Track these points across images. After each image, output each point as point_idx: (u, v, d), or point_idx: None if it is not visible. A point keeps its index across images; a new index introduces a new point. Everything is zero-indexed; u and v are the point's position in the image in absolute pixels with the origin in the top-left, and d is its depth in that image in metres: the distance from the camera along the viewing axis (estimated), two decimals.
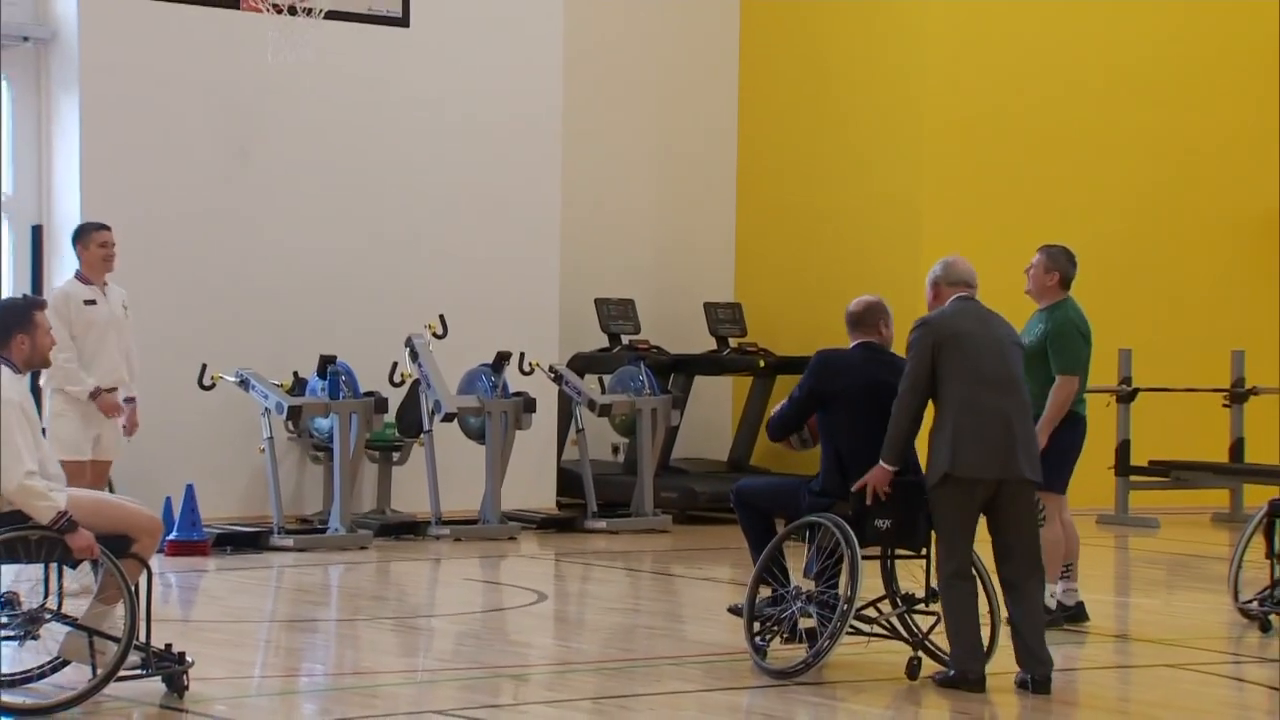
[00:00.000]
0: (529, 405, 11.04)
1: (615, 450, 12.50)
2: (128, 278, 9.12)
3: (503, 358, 11.14)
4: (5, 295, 10.96)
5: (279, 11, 9.87)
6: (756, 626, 6.60)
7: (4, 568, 5.90)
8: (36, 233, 10.89)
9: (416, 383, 10.89)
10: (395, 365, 10.94)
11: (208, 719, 5.80)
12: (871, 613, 6.64)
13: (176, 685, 5.95)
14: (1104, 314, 13.20)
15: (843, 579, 6.36)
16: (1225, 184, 13.49)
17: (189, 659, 5.99)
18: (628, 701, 6.31)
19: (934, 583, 6.55)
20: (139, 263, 10.25)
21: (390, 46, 11.43)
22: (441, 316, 11.02)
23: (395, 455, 11.22)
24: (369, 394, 10.56)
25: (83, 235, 8.53)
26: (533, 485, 11.92)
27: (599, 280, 12.76)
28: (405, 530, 10.86)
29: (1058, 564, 7.73)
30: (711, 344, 12.86)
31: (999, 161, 12.93)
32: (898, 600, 6.66)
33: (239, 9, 10.22)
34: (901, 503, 6.47)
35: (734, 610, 6.91)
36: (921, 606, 6.62)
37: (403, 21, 11.36)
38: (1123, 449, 12.37)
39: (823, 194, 13.27)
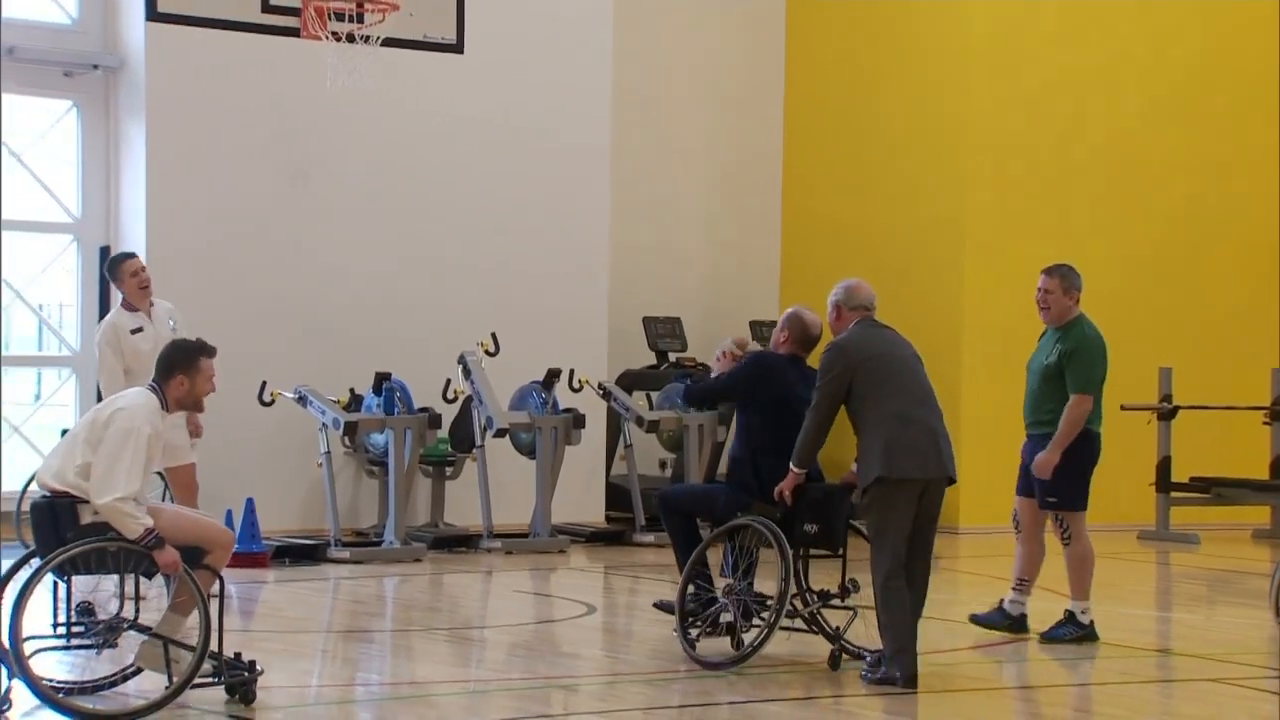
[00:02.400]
0: (578, 421, 11.22)
1: (663, 465, 12.64)
2: (190, 298, 9.40)
3: (553, 375, 11.33)
4: (76, 313, 11.31)
5: (338, 39, 10.07)
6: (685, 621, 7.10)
7: (78, 578, 5.99)
8: (104, 254, 11.15)
9: (469, 399, 11.07)
10: (449, 382, 11.13)
11: None
12: (789, 608, 7.09)
13: (246, 693, 6.11)
14: (1145, 332, 13.34)
15: (779, 578, 6.87)
16: (1263, 201, 13.51)
17: (259, 667, 6.15)
18: (675, 713, 6.44)
19: (848, 580, 7.06)
20: (201, 283, 10.54)
21: (445, 72, 11.64)
22: (494, 334, 11.21)
23: (448, 470, 11.40)
24: (423, 410, 10.75)
25: (114, 269, 8.67)
26: (582, 499, 12.09)
27: (647, 299, 12.94)
28: (458, 543, 11.04)
29: (1089, 579, 7.82)
30: None
31: (1041, 182, 13.02)
32: (812, 597, 7.14)
33: (299, 37, 10.43)
34: (825, 507, 6.98)
35: (660, 606, 7.53)
36: (836, 601, 7.11)
37: (457, 48, 11.56)
38: (1163, 466, 12.43)
39: (867, 214, 13.40)
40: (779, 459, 6.97)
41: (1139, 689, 7.15)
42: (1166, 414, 12.42)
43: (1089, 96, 13.14)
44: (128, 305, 8.63)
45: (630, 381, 12.35)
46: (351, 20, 10.12)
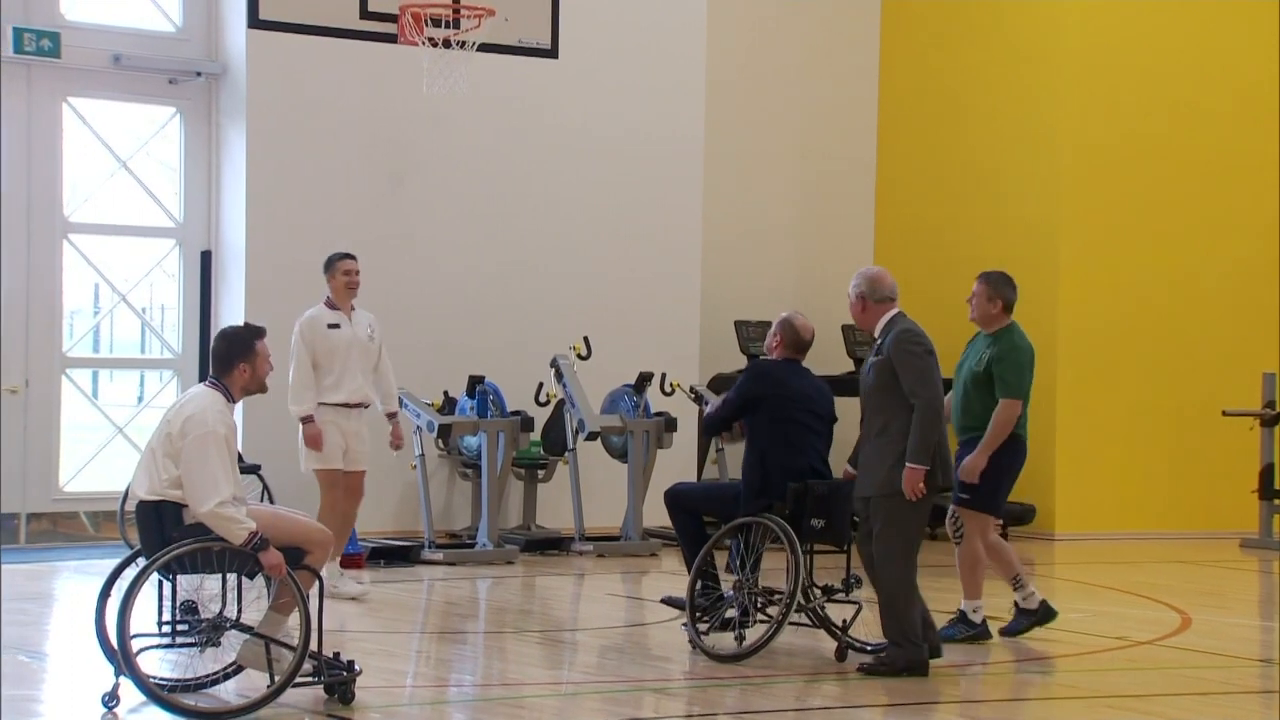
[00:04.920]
0: (670, 425, 11.26)
1: None
2: (288, 301, 9.55)
3: (645, 378, 11.37)
4: (178, 316, 11.52)
5: (434, 45, 10.19)
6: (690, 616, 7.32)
7: (182, 577, 6.08)
8: (206, 258, 11.38)
9: (561, 402, 11.15)
10: (541, 385, 11.23)
11: None
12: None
13: (345, 693, 6.19)
14: (1247, 337, 13.13)
15: (790, 574, 7.11)
16: None
17: (357, 667, 6.24)
18: (766, 718, 6.45)
19: (851, 575, 7.28)
20: (299, 286, 10.67)
21: (539, 76, 11.75)
22: (586, 338, 11.29)
23: (541, 473, 11.50)
24: (516, 413, 10.85)
25: (330, 265, 9.07)
26: None
27: (739, 303, 12.96)
28: (550, 546, 11.14)
29: (980, 579, 7.82)
30: (849, 365, 12.97)
31: (1135, 186, 12.87)
32: (815, 592, 7.29)
33: (396, 43, 10.56)
34: (831, 503, 7.17)
35: (668, 602, 7.83)
36: (841, 596, 7.33)
37: (552, 53, 11.66)
38: (1266, 473, 12.25)
39: (960, 220, 13.31)
40: (787, 453, 7.21)
41: (1241, 699, 7.06)
42: (1269, 420, 12.24)
43: (1184, 100, 12.96)
44: (329, 303, 9.00)
45: (722, 385, 12.34)
46: (448, 26, 10.24)
